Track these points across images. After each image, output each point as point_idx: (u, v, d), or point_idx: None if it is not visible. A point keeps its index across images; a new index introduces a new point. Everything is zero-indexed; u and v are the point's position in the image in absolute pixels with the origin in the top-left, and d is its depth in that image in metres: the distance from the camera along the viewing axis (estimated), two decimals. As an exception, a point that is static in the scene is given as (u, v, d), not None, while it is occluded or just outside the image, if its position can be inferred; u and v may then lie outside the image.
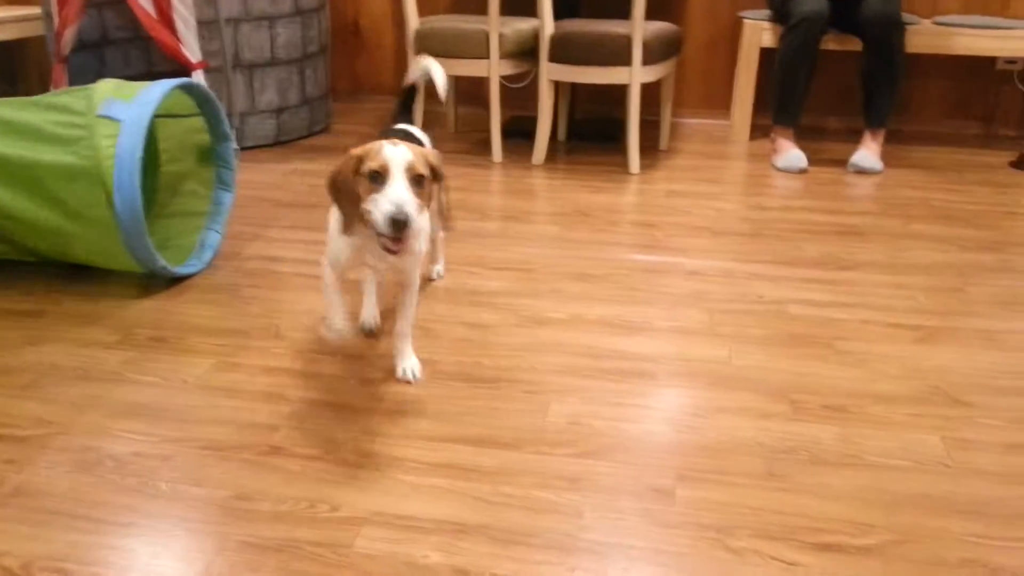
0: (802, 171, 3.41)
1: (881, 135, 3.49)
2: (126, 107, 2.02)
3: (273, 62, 3.57)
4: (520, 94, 4.29)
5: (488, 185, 3.19)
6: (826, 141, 3.81)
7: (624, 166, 3.36)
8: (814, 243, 2.64)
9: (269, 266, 2.39)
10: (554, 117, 3.67)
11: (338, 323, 1.72)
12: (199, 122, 2.38)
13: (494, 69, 3.33)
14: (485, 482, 1.46)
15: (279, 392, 1.74)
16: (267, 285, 2.26)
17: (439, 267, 2.31)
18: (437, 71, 2.03)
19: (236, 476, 1.47)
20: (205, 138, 2.41)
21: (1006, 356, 1.93)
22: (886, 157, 3.49)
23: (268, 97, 3.61)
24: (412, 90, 2.04)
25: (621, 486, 1.46)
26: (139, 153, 1.97)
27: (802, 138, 3.54)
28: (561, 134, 3.90)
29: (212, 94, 2.31)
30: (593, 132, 3.98)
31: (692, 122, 4.25)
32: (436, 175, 1.55)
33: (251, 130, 3.62)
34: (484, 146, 3.56)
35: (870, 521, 1.38)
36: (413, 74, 2.03)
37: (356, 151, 1.47)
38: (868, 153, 3.43)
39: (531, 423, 1.64)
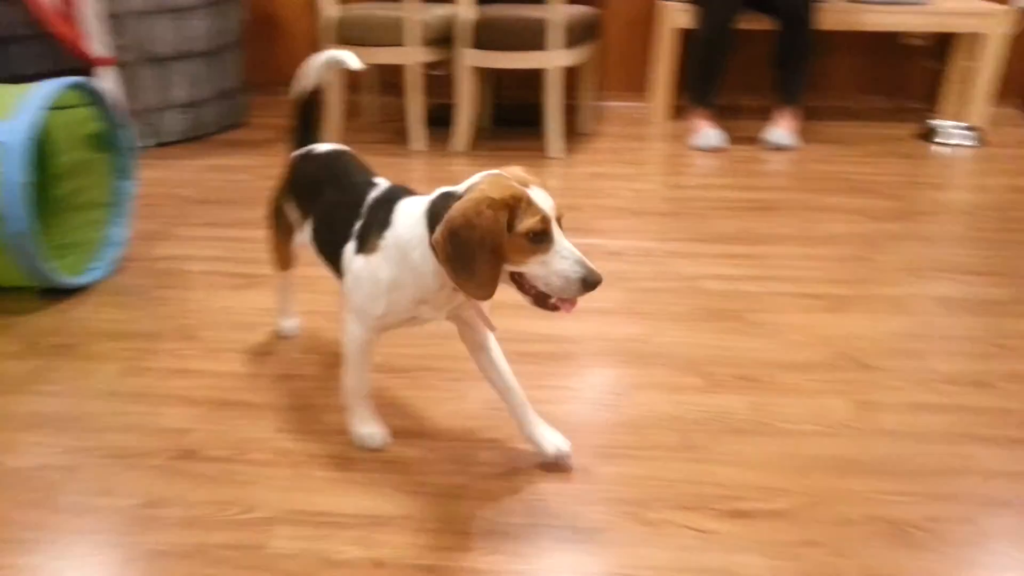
0: (719, 149, 3.47)
1: (795, 112, 3.57)
2: (5, 125, 1.91)
3: (184, 55, 3.46)
4: (444, 81, 4.26)
5: (409, 173, 3.16)
6: (743, 119, 3.87)
7: (547, 151, 3.37)
8: (730, 219, 2.68)
9: (180, 265, 2.33)
10: (480, 104, 3.65)
11: (370, 425, 1.50)
12: (90, 111, 2.28)
13: (411, 56, 3.30)
14: (404, 473, 1.45)
15: (190, 394, 1.69)
16: (178, 285, 2.20)
17: None
18: (342, 56, 1.73)
19: (144, 483, 1.43)
20: (97, 126, 2.31)
21: (911, 320, 2.00)
22: (800, 133, 3.57)
23: (180, 91, 3.51)
24: (311, 101, 1.68)
25: (542, 471, 1.46)
26: (24, 179, 1.87)
27: (719, 117, 3.60)
28: (486, 121, 3.89)
29: (102, 88, 2.22)
30: (518, 118, 3.97)
31: (614, 105, 4.27)
32: None
33: (163, 125, 3.51)
34: (405, 135, 3.52)
35: (781, 486, 1.42)
36: (307, 78, 1.66)
37: (490, 201, 1.16)
38: (782, 130, 3.51)
39: (450, 411, 1.63)
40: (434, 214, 1.25)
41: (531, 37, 3.19)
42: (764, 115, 3.64)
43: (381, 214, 1.34)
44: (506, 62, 3.27)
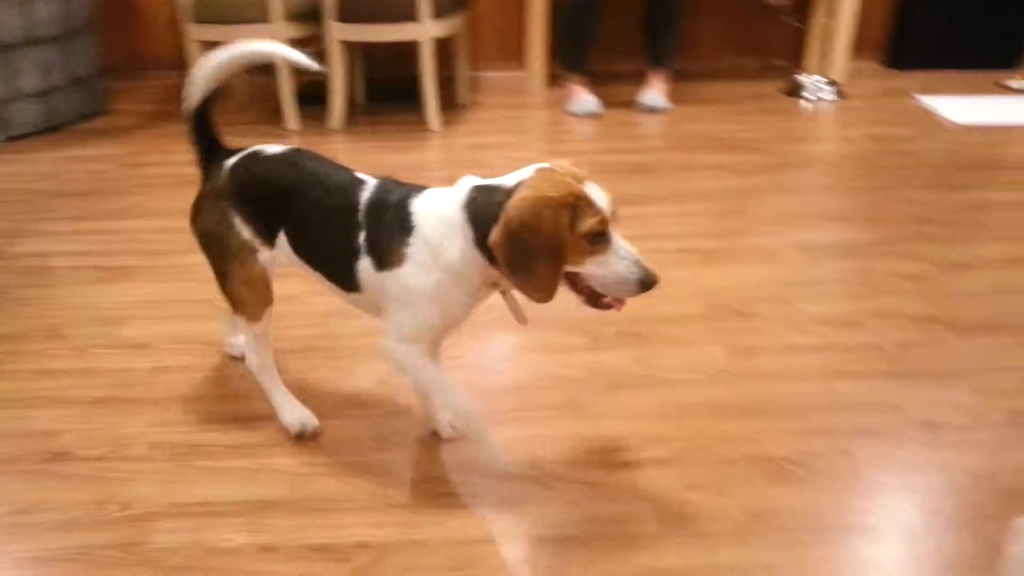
0: (596, 114, 3.51)
1: (666, 74, 3.64)
2: None
3: (32, 41, 3.24)
4: (314, 58, 4.14)
5: (285, 155, 3.07)
6: (617, 84, 3.93)
7: (425, 124, 3.33)
8: (608, 182, 2.70)
9: (43, 262, 2.19)
10: (351, 80, 3.57)
11: (479, 420, 1.32)
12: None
13: (277, 33, 3.19)
14: (290, 456, 1.42)
15: (60, 395, 1.60)
16: (41, 283, 2.08)
17: None
18: (268, 47, 1.39)
19: (13, 490, 1.35)
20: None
21: (782, 267, 2.09)
22: (672, 95, 3.65)
23: (30, 80, 3.29)
24: (205, 109, 1.38)
25: (429, 440, 1.46)
26: None
27: (594, 83, 3.64)
28: (360, 97, 3.81)
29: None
30: (393, 92, 3.91)
31: (491, 75, 4.26)
32: None
33: (13, 117, 3.29)
34: (279, 115, 3.42)
35: (665, 434, 1.46)
36: (203, 81, 1.34)
37: (549, 200, 1.09)
38: (655, 92, 3.58)
39: (338, 389, 1.60)
40: (476, 212, 1.16)
41: (400, 8, 3.14)
42: (638, 79, 3.71)
43: (392, 219, 1.22)
44: (376, 35, 3.21)
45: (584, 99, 3.53)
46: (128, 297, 1.97)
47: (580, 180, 1.14)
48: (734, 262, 2.12)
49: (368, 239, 1.24)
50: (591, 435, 1.46)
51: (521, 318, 1.28)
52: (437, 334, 1.30)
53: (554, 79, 3.93)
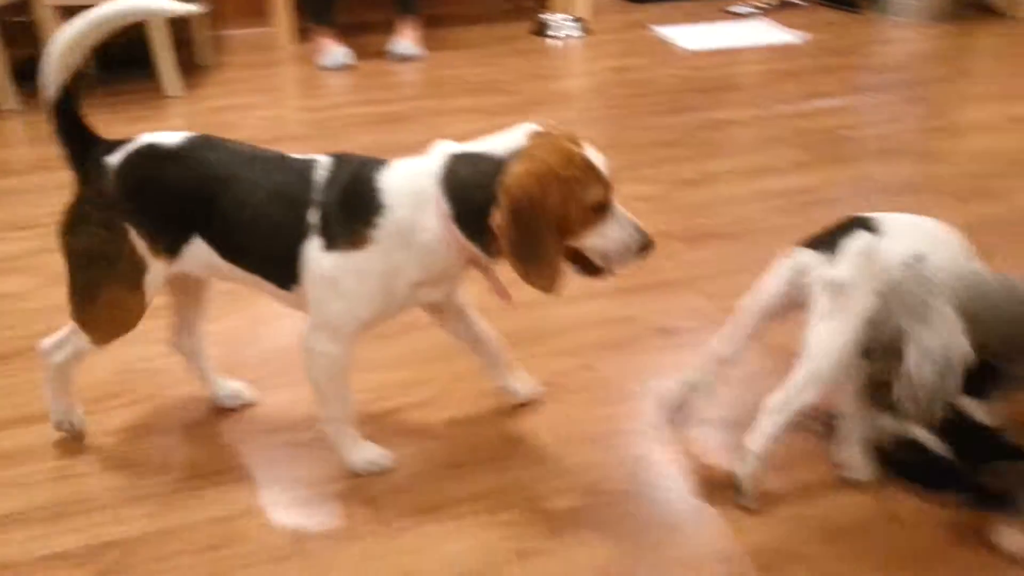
0: (348, 67, 3.44)
1: (416, 21, 3.62)
2: None
3: None
4: (30, 28, 3.74)
5: (5, 137, 2.77)
6: (368, 34, 3.86)
7: (163, 90, 3.11)
8: (365, 134, 2.69)
9: None
10: (72, 49, 3.26)
11: (369, 447, 1.26)
12: None
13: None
14: (12, 467, 1.30)
15: None
16: None
17: None
18: (140, 4, 1.15)
19: None
20: None
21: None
22: (424, 42, 3.64)
23: None
24: (70, 95, 1.12)
25: (165, 425, 1.39)
26: None
27: (345, 35, 3.55)
28: (90, 67, 3.49)
29: None
30: (125, 59, 3.61)
31: (236, 33, 4.04)
32: None
33: None
34: (-8, 94, 3.06)
35: (421, 378, 1.48)
36: (55, 64, 1.09)
37: (557, 174, 1.00)
38: (406, 40, 3.55)
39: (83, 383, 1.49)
40: (457, 185, 1.04)
41: (117, -34, 2.88)
42: (388, 28, 3.66)
43: (355, 195, 1.07)
44: (94, -3, 2.94)
45: (335, 52, 3.44)
46: None
47: (577, 144, 1.05)
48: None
49: (323, 217, 1.08)
50: (355, 389, 1.45)
51: (504, 294, 1.16)
52: (374, 325, 1.16)
53: (303, 33, 3.80)
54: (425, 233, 1.06)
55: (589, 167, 1.04)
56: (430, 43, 3.68)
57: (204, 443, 1.34)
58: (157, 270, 1.16)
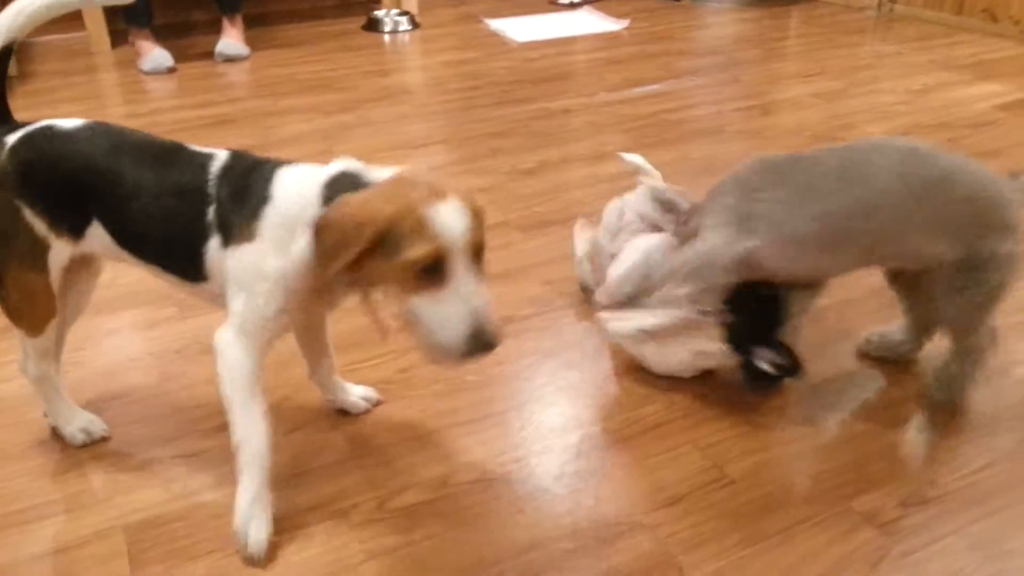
0: (170, 70, 3.29)
1: (239, 20, 3.51)
2: None
3: None
4: None
5: None
6: (192, 35, 3.71)
7: None
8: (193, 139, 2.54)
9: None
10: None
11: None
12: None
13: None
14: None
15: None
16: None
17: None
18: None
19: None
20: None
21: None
22: (251, 41, 3.53)
23: None
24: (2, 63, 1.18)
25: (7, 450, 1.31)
26: None
27: (166, 36, 3.40)
28: None
29: None
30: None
31: (43, 40, 3.78)
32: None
33: None
34: None
35: (267, 386, 1.45)
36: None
37: (362, 215, 0.92)
38: (230, 40, 3.44)
39: None
40: (328, 199, 0.99)
41: None
42: (213, 28, 3.53)
43: (246, 188, 1.04)
44: None
45: (155, 55, 3.28)
46: None
47: (441, 195, 0.94)
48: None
49: (219, 212, 1.06)
50: (187, 405, 1.41)
51: (383, 331, 1.12)
52: (275, 335, 1.11)
53: (119, 37, 3.60)
54: (302, 240, 1.01)
55: (420, 223, 0.92)
56: (257, 42, 3.58)
57: (23, 476, 1.27)
58: (60, 250, 1.14)
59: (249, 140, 2.57)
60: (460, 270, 0.93)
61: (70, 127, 1.14)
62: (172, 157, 1.13)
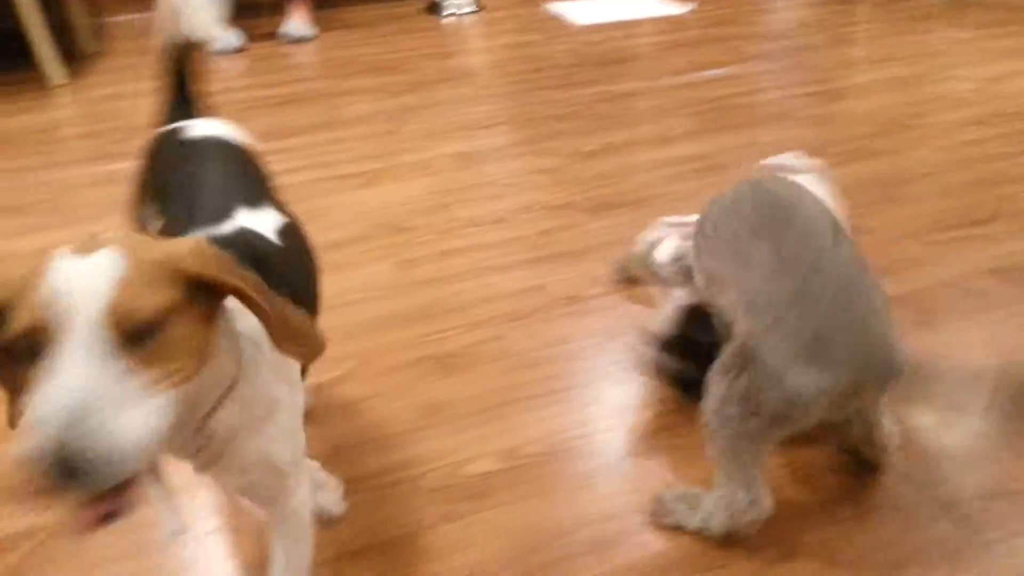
0: (239, 49, 3.36)
1: (306, 1, 3.56)
2: None
3: None
4: None
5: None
6: (258, 16, 3.78)
7: (45, 79, 2.98)
8: (260, 117, 2.65)
9: None
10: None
11: None
12: None
13: None
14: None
15: None
16: None
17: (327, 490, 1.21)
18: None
19: None
20: None
21: (434, 179, 2.18)
22: (315, 22, 3.59)
23: None
24: (185, 52, 1.15)
25: None
26: None
27: (235, 17, 3.47)
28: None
29: None
30: (2, 51, 3.43)
31: (123, 20, 3.89)
32: (217, 284, 0.68)
33: None
34: None
35: (337, 355, 1.50)
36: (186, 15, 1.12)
37: None
38: (296, 21, 3.49)
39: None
40: None
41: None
42: (279, 10, 3.59)
43: None
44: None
45: (225, 35, 3.36)
46: None
47: (80, 249, 0.64)
48: (391, 181, 2.18)
49: None
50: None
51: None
52: None
53: (189, 17, 3.68)
54: None
55: (25, 285, 0.62)
56: (321, 23, 3.63)
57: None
58: None
59: (316, 119, 2.61)
60: (67, 350, 0.59)
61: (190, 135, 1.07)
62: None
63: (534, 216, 1.97)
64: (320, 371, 1.45)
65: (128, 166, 2.30)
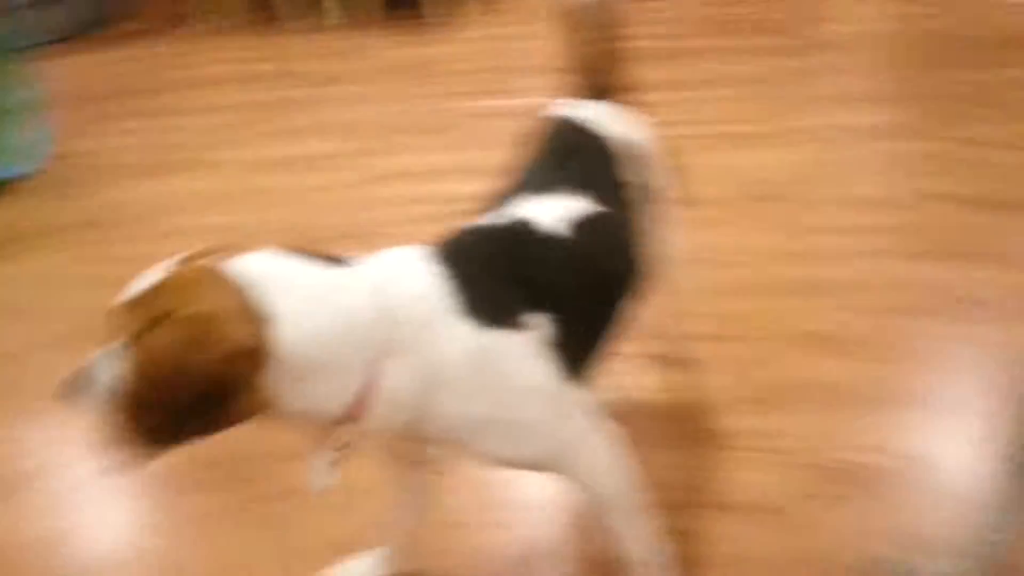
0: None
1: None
2: None
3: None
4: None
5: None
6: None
7: (461, 12, 3.30)
8: (648, 68, 2.71)
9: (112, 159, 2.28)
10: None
11: None
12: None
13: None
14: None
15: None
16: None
17: None
18: None
19: None
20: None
21: (820, 150, 2.12)
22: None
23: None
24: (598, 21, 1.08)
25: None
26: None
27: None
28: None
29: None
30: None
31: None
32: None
33: (44, 23, 3.26)
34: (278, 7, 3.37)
35: (707, 311, 1.53)
36: None
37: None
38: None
39: None
40: None
41: None
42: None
43: None
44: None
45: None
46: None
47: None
48: (772, 146, 2.16)
49: None
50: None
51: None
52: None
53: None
54: None
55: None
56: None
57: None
58: None
59: (695, 75, 2.64)
60: None
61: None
62: None
63: (938, 206, 1.84)
64: (687, 324, 1.45)
65: (509, 103, 2.53)
